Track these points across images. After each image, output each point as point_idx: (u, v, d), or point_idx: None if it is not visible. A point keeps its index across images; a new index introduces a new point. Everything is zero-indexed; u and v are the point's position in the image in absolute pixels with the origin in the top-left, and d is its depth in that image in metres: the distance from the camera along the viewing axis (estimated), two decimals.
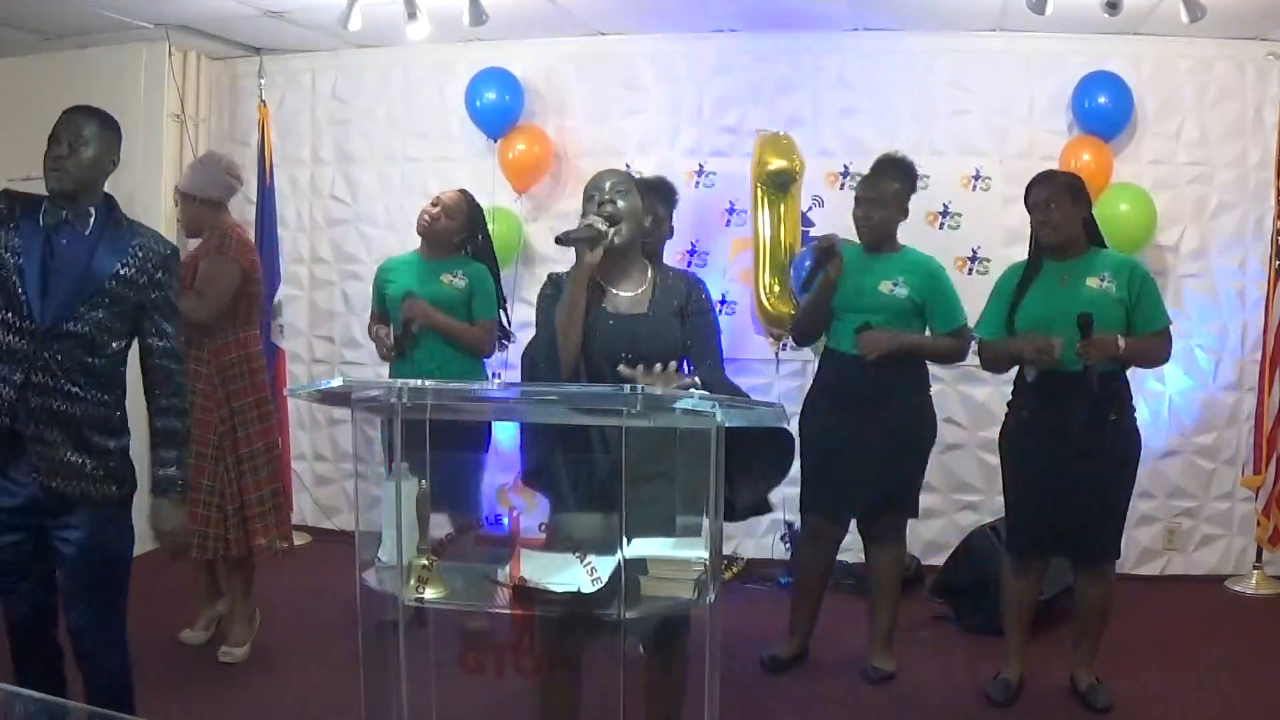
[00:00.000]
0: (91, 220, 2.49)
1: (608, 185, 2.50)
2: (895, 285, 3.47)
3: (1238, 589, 4.61)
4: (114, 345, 2.52)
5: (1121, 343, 3.13)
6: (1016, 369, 3.36)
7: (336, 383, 2.34)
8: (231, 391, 3.58)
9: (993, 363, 3.41)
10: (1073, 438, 3.14)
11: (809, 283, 3.50)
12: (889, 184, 3.51)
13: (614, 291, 2.53)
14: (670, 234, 3.64)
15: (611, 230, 2.44)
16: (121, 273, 2.48)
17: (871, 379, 3.42)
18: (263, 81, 5.20)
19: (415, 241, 3.99)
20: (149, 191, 4.98)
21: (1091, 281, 3.20)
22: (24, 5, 4.54)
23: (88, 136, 2.51)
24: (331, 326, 5.45)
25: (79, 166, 2.48)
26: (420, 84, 5.27)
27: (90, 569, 2.47)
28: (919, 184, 4.74)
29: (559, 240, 2.52)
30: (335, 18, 4.36)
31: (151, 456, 2.56)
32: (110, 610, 2.53)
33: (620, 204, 2.47)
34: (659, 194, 3.55)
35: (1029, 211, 3.30)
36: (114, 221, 2.53)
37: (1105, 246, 3.34)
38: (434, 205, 3.83)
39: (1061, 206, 3.22)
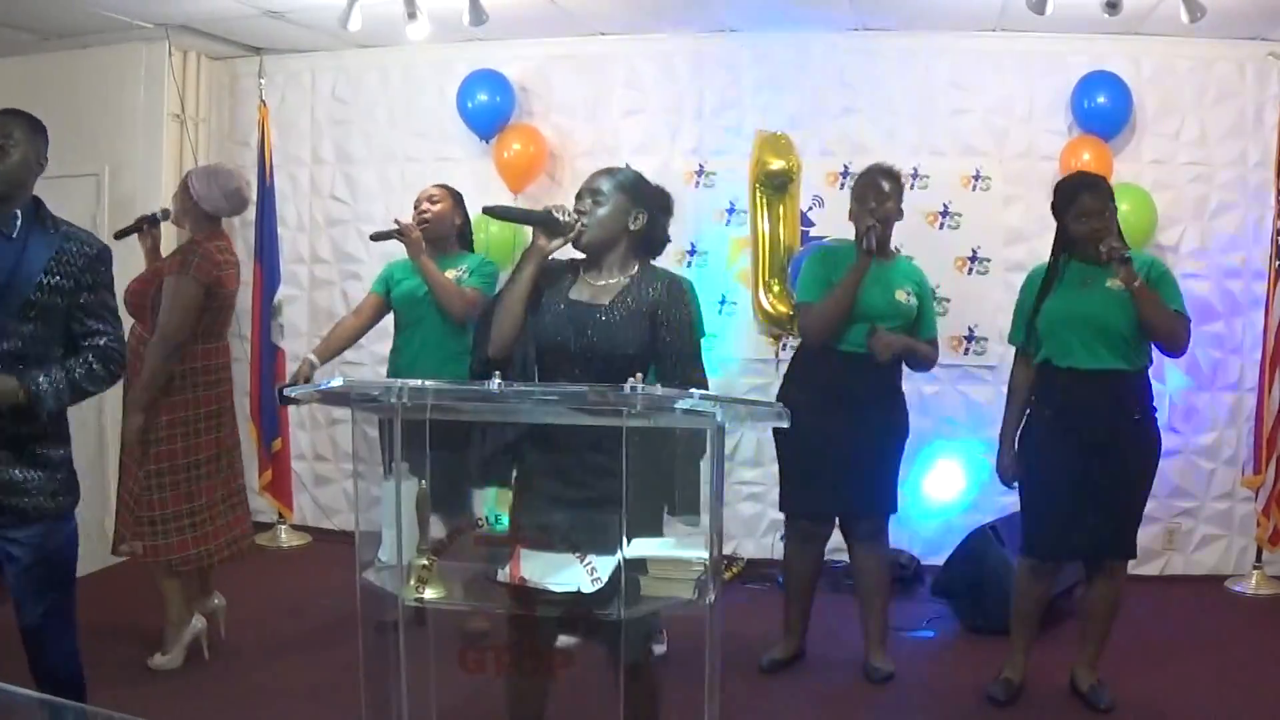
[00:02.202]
0: (18, 224, 2.45)
1: (589, 189, 2.47)
2: (909, 295, 3.51)
3: (1238, 589, 4.61)
4: (51, 355, 2.49)
5: (1138, 283, 3.10)
6: (1039, 369, 3.35)
7: (336, 383, 2.34)
8: (171, 403, 3.44)
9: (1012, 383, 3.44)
10: (1099, 434, 3.14)
11: (868, 244, 3.38)
12: (887, 183, 3.53)
13: (585, 279, 2.50)
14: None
15: (575, 222, 2.41)
16: (47, 281, 2.43)
17: (861, 379, 3.43)
18: (263, 81, 5.20)
19: None
20: (149, 191, 4.98)
21: (1112, 283, 3.18)
22: (24, 5, 4.54)
23: (17, 139, 2.46)
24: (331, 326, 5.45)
25: (9, 169, 2.44)
26: (420, 84, 5.27)
27: (39, 574, 2.49)
28: (919, 184, 4.81)
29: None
30: (335, 18, 4.36)
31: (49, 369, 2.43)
32: (59, 611, 2.55)
33: (598, 210, 2.44)
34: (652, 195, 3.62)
35: (1076, 216, 3.19)
36: (41, 224, 2.49)
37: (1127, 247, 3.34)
38: (417, 206, 3.85)
39: (1113, 213, 3.22)
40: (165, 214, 3.70)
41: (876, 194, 3.50)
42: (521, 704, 2.51)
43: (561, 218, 2.40)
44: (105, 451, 4.75)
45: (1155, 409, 3.29)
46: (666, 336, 2.46)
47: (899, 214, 3.56)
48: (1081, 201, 3.20)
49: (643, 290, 2.48)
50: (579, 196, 2.49)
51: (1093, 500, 3.18)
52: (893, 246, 3.59)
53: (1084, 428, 3.16)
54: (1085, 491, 3.17)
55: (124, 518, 3.55)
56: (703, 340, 3.67)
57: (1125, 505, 3.24)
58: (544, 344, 2.45)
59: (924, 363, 3.63)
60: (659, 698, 2.50)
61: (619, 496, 2.06)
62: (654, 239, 2.58)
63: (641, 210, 2.48)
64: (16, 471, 2.44)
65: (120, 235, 3.64)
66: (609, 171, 2.53)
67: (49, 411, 2.43)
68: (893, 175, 3.57)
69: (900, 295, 3.49)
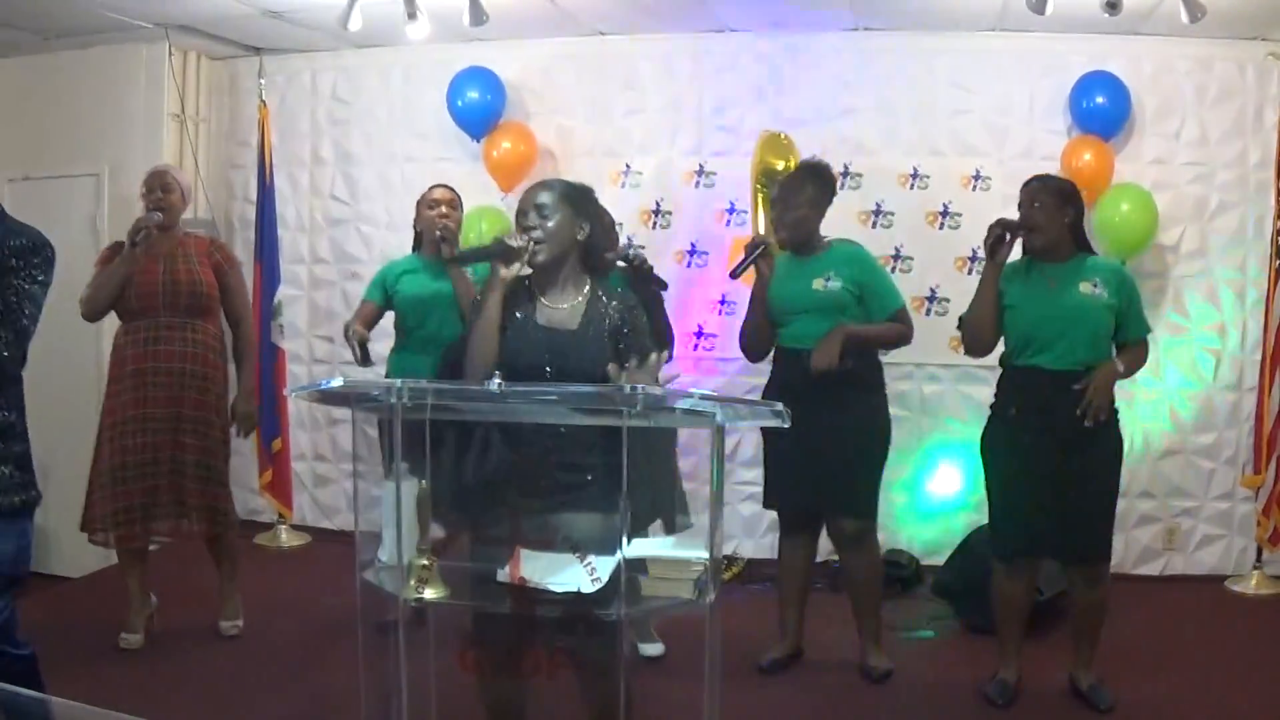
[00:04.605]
0: None
1: (532, 205, 2.46)
2: (827, 280, 3.48)
3: (1238, 589, 4.61)
4: None
5: (1120, 367, 3.21)
6: (1000, 366, 3.37)
7: (336, 383, 2.34)
8: (221, 375, 3.77)
9: (973, 325, 3.36)
10: (1064, 434, 3.16)
11: (738, 271, 3.50)
12: (803, 187, 3.54)
13: (544, 302, 2.50)
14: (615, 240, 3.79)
15: (529, 246, 2.41)
16: None
17: (808, 375, 3.40)
18: (263, 81, 5.20)
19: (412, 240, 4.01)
20: None
21: (1084, 286, 3.22)
22: (24, 5, 4.54)
23: None
24: (331, 326, 5.44)
25: None
26: (420, 84, 5.26)
27: None
28: (919, 184, 4.81)
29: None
30: (335, 18, 4.36)
31: None
32: (7, 615, 2.43)
33: (549, 224, 2.44)
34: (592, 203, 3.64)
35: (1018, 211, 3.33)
36: None
37: (1093, 253, 3.38)
38: (433, 208, 3.83)
39: (1045, 209, 3.25)
40: (157, 218, 3.66)
41: (781, 200, 3.55)
42: (499, 705, 2.50)
43: (514, 243, 2.42)
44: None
45: (1117, 409, 3.29)
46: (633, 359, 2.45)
47: (815, 214, 3.55)
48: (1020, 196, 3.32)
49: (603, 309, 2.50)
50: (522, 213, 2.48)
51: (1058, 500, 3.18)
52: (827, 238, 3.59)
53: (1048, 427, 3.18)
54: (1050, 491, 3.18)
55: (222, 497, 3.75)
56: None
57: (1091, 506, 3.23)
58: (520, 368, 2.43)
59: (892, 342, 3.58)
60: (635, 701, 2.48)
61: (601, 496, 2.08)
62: (597, 253, 2.57)
63: (585, 220, 2.50)
64: None
65: (137, 243, 3.56)
66: (545, 185, 2.53)
67: None
68: (812, 173, 3.58)
69: (817, 284, 3.48)
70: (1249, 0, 4.14)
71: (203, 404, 3.68)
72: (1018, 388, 3.29)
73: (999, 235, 3.26)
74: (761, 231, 4.69)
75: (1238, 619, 4.32)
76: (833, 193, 3.61)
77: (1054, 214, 3.25)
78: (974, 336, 3.39)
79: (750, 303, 3.57)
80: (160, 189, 3.68)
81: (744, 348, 3.69)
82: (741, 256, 3.50)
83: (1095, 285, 3.22)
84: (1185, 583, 4.69)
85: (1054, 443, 3.17)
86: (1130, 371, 3.29)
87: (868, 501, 3.55)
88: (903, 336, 3.57)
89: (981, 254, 4.67)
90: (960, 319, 3.45)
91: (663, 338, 3.60)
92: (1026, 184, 3.34)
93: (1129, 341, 3.27)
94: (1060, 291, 3.23)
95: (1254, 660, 3.77)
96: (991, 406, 3.40)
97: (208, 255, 3.74)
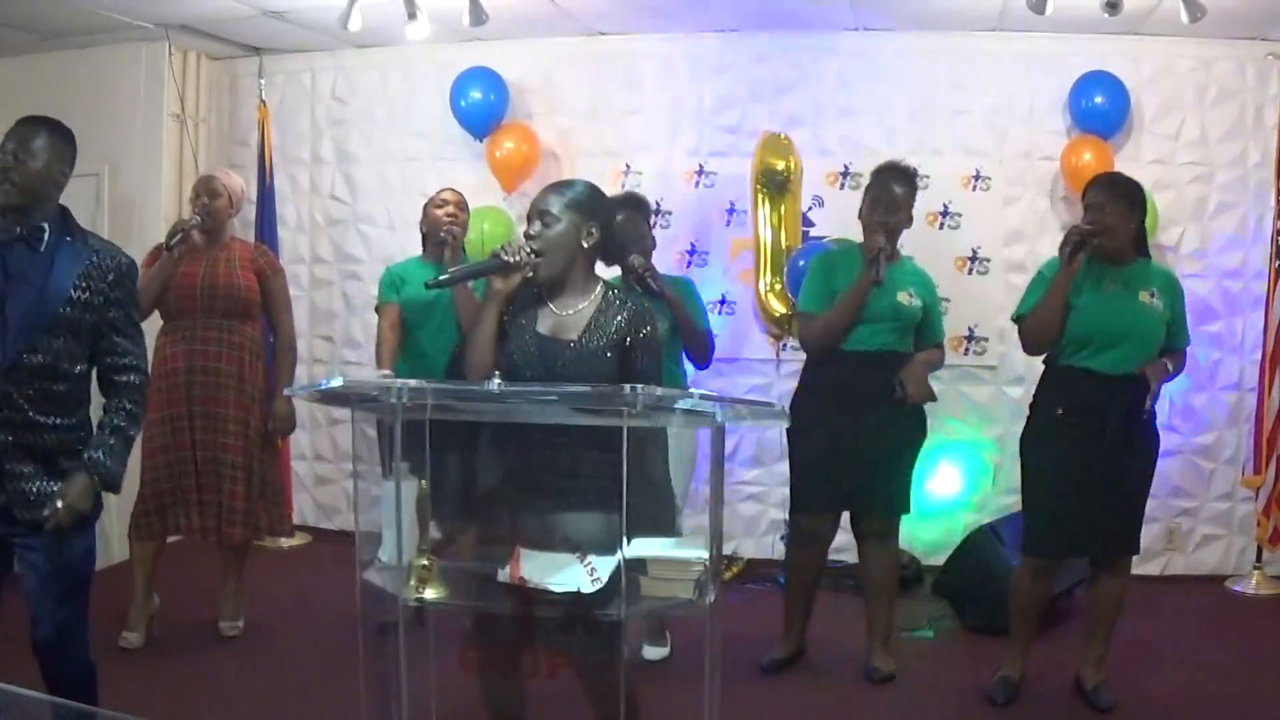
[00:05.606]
0: (46, 236, 2.42)
1: (537, 211, 2.40)
2: (911, 297, 3.49)
3: (1238, 589, 4.61)
4: (77, 369, 2.46)
5: (1170, 366, 3.24)
6: (1045, 364, 3.35)
7: (336, 383, 2.33)
8: (260, 377, 3.82)
9: (1041, 328, 3.27)
10: (1114, 436, 3.15)
11: (879, 273, 3.37)
12: (901, 189, 3.51)
13: (551, 307, 2.45)
14: (652, 244, 3.74)
15: (525, 260, 2.35)
16: (76, 296, 2.41)
17: (869, 378, 3.43)
18: (263, 81, 5.20)
19: (413, 241, 4.00)
20: (149, 191, 4.99)
21: (1144, 295, 3.21)
22: (24, 5, 4.54)
23: (36, 148, 2.42)
24: (331, 326, 5.45)
25: (26, 178, 2.40)
26: (419, 84, 5.27)
27: (57, 584, 2.46)
28: (919, 184, 4.79)
29: (433, 285, 2.47)
30: (335, 18, 4.36)
31: (94, 439, 2.47)
32: (75, 621, 2.52)
33: (550, 232, 2.37)
34: (639, 209, 3.65)
35: (1084, 211, 3.26)
36: (69, 236, 2.46)
37: (1149, 257, 3.35)
38: (441, 207, 3.80)
39: (1117, 214, 3.19)
40: (196, 221, 3.72)
41: (888, 204, 3.48)
42: (499, 706, 2.49)
43: (511, 259, 2.35)
44: None
45: (1156, 408, 3.30)
46: (638, 365, 2.41)
47: (910, 220, 3.56)
48: (1085, 196, 3.27)
49: (609, 317, 2.42)
50: (529, 218, 2.43)
51: (1101, 499, 3.18)
52: (898, 247, 3.58)
53: (1100, 429, 3.16)
54: (1094, 490, 3.18)
55: (258, 503, 3.79)
56: (709, 332, 3.70)
57: (1133, 503, 3.27)
58: (515, 378, 2.40)
59: (935, 368, 3.66)
60: (640, 701, 2.48)
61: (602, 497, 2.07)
62: (609, 249, 2.55)
63: (594, 224, 2.41)
64: (46, 483, 2.42)
65: (173, 246, 3.63)
66: (559, 189, 2.45)
67: (119, 478, 2.47)
68: (907, 178, 3.55)
69: (903, 298, 3.48)
70: (1249, 0, 4.15)
71: (240, 405, 3.72)
72: (1066, 387, 3.25)
73: (1076, 243, 3.18)
74: (762, 230, 4.72)
75: (1238, 619, 4.32)
76: (915, 196, 3.61)
77: (1126, 218, 3.21)
78: (1039, 338, 3.31)
79: (846, 299, 3.44)
80: (206, 194, 3.73)
81: (819, 340, 3.55)
82: (876, 262, 3.38)
83: (1153, 295, 3.21)
84: (1185, 583, 4.69)
85: (1103, 444, 3.15)
86: (1173, 374, 3.31)
87: (906, 498, 3.60)
88: (940, 364, 3.71)
89: (982, 254, 4.78)
90: (1020, 319, 3.35)
91: (700, 341, 3.62)
92: (1095, 183, 3.27)
93: (1173, 350, 3.29)
94: (1121, 297, 3.20)
95: (1254, 660, 3.78)
96: (1032, 404, 3.36)
97: (251, 260, 3.79)
